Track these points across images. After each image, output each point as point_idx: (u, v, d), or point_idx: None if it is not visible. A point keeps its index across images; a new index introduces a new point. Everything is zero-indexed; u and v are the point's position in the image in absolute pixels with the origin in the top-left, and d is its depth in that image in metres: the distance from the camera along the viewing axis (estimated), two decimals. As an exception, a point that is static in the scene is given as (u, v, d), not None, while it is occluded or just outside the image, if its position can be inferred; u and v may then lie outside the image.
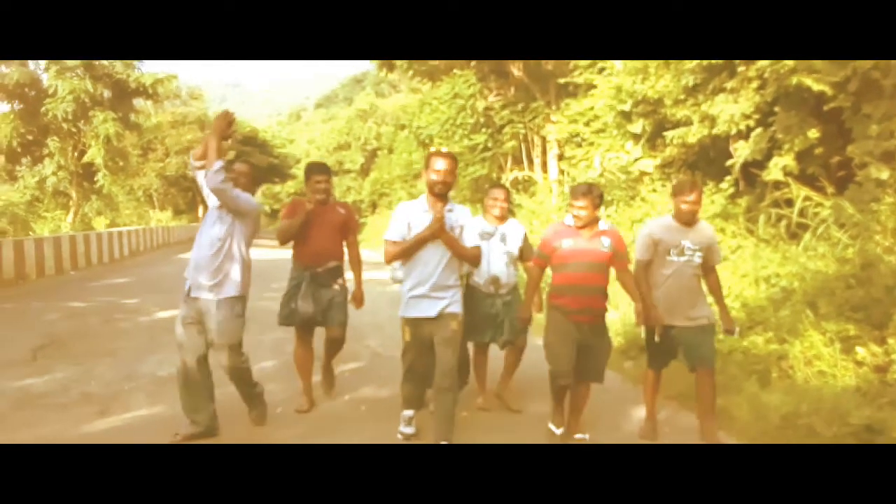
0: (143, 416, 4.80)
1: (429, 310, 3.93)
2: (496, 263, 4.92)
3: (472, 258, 4.05)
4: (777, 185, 8.01)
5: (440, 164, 3.91)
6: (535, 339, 4.90)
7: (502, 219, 5.06)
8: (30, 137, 20.95)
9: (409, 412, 4.34)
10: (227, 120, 4.21)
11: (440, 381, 3.94)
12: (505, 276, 4.95)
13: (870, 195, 6.62)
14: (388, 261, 4.11)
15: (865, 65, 6.74)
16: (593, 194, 4.19)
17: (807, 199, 7.59)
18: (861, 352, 5.04)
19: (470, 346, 5.10)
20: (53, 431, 4.39)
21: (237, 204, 4.21)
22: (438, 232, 3.85)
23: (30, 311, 9.52)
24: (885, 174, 6.50)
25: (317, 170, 5.03)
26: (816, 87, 7.12)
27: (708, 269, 4.45)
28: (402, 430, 4.33)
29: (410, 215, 3.99)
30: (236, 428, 4.46)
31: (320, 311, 4.87)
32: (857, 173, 6.96)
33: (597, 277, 4.23)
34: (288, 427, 4.59)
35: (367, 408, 5.13)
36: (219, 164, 4.05)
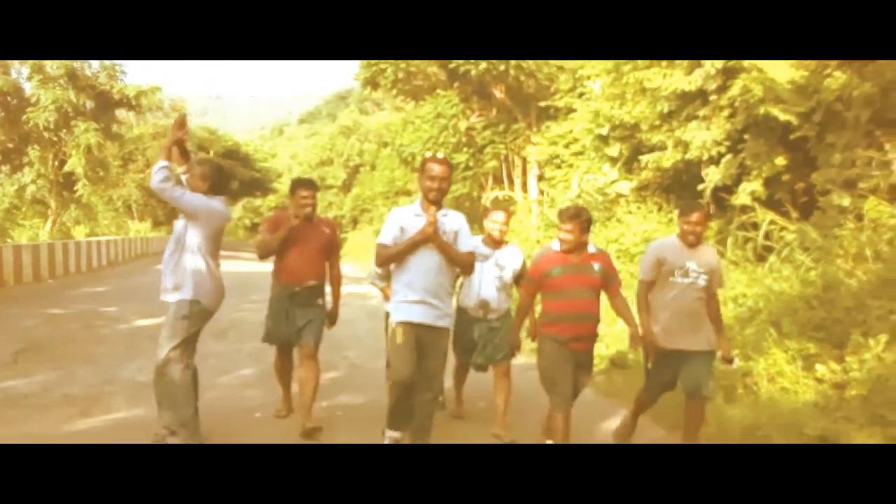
0: (124, 417, 4.89)
1: (423, 316, 3.80)
2: (487, 287, 4.78)
3: (466, 264, 3.93)
4: (745, 209, 8.28)
5: (436, 170, 3.83)
6: (519, 359, 5.06)
7: (501, 243, 4.89)
8: (10, 145, 20.89)
9: (395, 433, 3.97)
10: (179, 122, 4.23)
11: (423, 393, 3.87)
12: (495, 301, 4.80)
13: (832, 221, 6.89)
14: (380, 264, 4.02)
15: (829, 97, 7.07)
16: (581, 218, 4.01)
17: (772, 223, 7.86)
18: (821, 369, 5.19)
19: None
20: (36, 430, 4.46)
21: (180, 204, 4.17)
22: (432, 235, 3.74)
23: (8, 316, 9.48)
24: (846, 201, 6.79)
25: (303, 185, 4.84)
26: (783, 117, 7.43)
27: (710, 294, 4.29)
28: None
29: (403, 219, 3.88)
30: (221, 431, 4.52)
31: (296, 332, 4.76)
32: (819, 200, 7.25)
33: (588, 304, 4.09)
34: (266, 431, 4.69)
35: (344, 413, 5.26)
36: (161, 164, 4.07)
